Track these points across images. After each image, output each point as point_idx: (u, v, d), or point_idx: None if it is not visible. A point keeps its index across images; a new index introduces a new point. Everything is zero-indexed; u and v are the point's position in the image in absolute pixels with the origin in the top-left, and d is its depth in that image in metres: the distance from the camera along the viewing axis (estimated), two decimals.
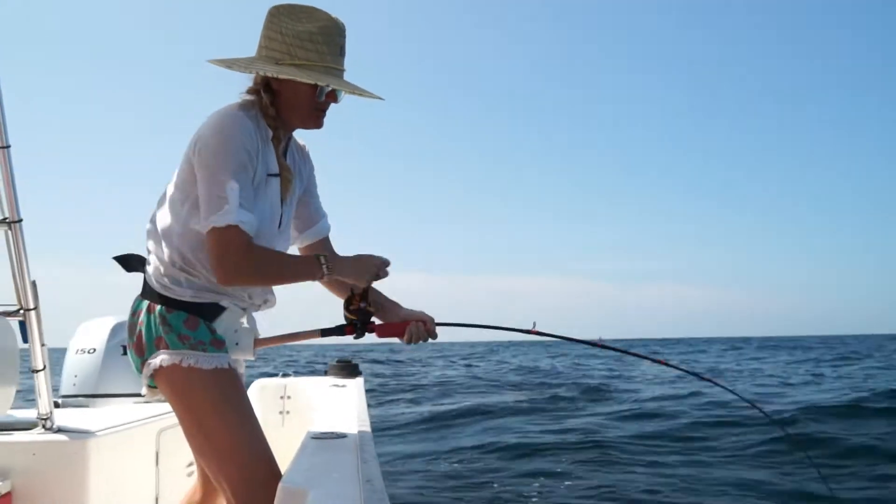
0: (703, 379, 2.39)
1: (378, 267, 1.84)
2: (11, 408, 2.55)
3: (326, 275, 1.77)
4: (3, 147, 2.21)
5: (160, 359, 1.69)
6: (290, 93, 1.72)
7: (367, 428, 2.15)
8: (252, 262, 1.66)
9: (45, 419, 2.33)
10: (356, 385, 3.31)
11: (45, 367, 2.34)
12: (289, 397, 3.33)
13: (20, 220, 2.26)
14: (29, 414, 2.43)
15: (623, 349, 2.33)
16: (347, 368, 3.57)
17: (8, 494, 2.17)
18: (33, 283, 2.31)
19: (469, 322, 2.08)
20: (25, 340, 2.33)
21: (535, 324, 2.03)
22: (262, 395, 3.37)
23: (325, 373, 3.68)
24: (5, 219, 2.26)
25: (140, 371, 1.75)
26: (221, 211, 1.60)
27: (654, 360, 2.31)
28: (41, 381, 2.32)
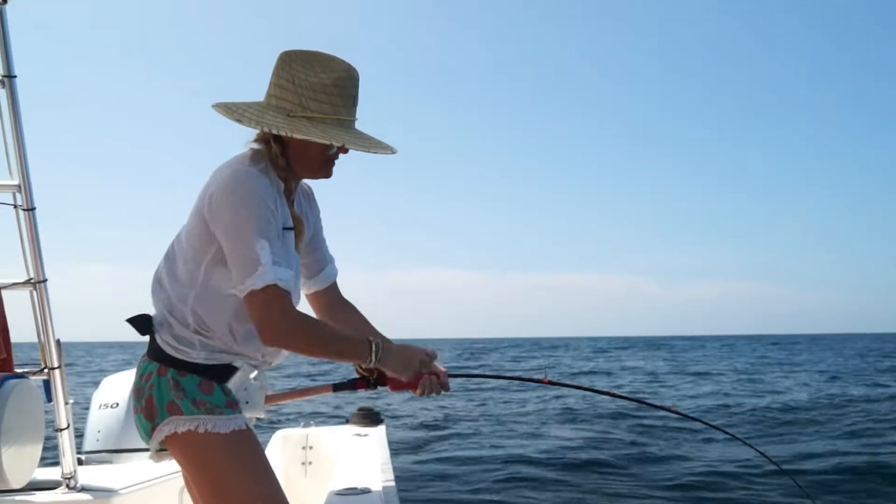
0: (714, 428, 2.36)
1: (424, 365, 1.81)
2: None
3: (375, 364, 1.73)
4: (28, 209, 2.26)
5: (174, 425, 1.63)
6: (300, 145, 1.68)
7: (391, 481, 2.13)
8: (302, 327, 1.63)
9: (70, 478, 2.33)
10: (378, 434, 3.28)
11: (68, 425, 2.34)
12: (311, 447, 3.31)
13: (45, 280, 2.30)
14: (53, 473, 2.43)
15: (641, 399, 2.34)
16: (369, 416, 3.56)
17: None
18: (58, 342, 2.33)
19: (484, 373, 2.21)
20: (49, 399, 2.34)
21: (546, 373, 2.14)
22: (284, 445, 3.35)
23: (347, 421, 3.66)
24: (30, 279, 2.30)
25: (149, 435, 1.68)
26: (256, 273, 1.54)
27: (668, 410, 2.26)
28: (65, 440, 2.33)
